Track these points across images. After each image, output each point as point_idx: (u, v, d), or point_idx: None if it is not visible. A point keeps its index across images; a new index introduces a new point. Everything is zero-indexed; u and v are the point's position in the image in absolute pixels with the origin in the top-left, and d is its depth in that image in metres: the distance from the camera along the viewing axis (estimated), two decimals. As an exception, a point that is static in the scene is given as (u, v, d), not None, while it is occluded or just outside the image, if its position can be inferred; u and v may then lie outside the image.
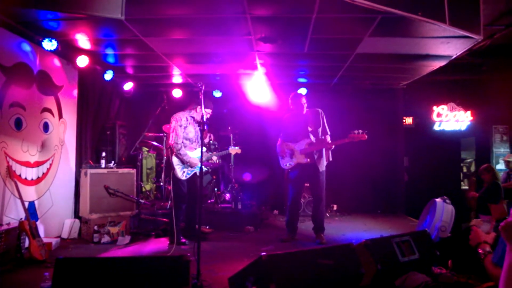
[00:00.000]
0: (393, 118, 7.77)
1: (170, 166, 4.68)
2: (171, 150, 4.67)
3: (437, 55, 5.46)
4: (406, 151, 7.81)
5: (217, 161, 6.59)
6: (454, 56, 5.43)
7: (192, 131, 4.72)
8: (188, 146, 4.71)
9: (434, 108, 8.09)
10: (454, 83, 7.70)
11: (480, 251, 1.94)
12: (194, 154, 4.74)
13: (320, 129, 4.91)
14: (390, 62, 5.99)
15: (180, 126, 4.62)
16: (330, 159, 5.00)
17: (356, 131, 4.60)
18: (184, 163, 4.63)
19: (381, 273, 2.80)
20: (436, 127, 8.10)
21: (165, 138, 6.51)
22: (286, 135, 5.07)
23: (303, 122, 4.95)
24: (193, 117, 4.75)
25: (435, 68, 6.17)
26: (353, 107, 7.45)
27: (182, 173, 4.64)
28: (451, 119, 8.09)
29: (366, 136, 4.60)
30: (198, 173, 4.66)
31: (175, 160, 4.63)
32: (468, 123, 8.06)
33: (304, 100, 4.98)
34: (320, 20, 4.20)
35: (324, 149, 4.88)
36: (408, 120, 8.04)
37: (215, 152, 5.20)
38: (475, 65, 6.54)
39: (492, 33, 4.74)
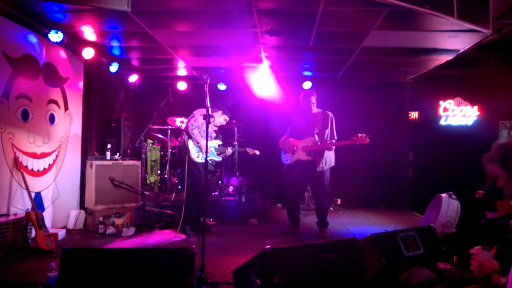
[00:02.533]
0: (399, 112, 7.72)
1: (185, 152, 4.75)
2: (187, 135, 4.77)
3: (445, 49, 5.40)
4: (411, 145, 7.77)
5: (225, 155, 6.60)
6: (462, 50, 5.37)
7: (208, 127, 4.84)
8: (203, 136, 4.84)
9: (441, 102, 8.01)
10: (461, 77, 7.61)
11: (495, 282, 1.89)
12: (209, 143, 4.84)
13: (327, 131, 4.90)
14: (397, 56, 5.93)
15: (201, 115, 4.72)
16: (333, 163, 4.98)
17: (359, 134, 4.60)
18: (196, 143, 4.77)
19: (385, 267, 2.81)
20: (442, 122, 8.02)
21: (169, 131, 6.53)
22: (292, 131, 5.10)
23: (312, 121, 4.95)
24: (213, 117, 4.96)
25: (442, 62, 6.11)
26: (359, 101, 7.40)
27: (197, 155, 4.77)
28: (457, 114, 8.00)
29: (368, 140, 4.60)
30: (211, 162, 4.99)
31: (190, 143, 4.76)
32: (475, 118, 7.97)
33: (313, 100, 4.98)
34: (326, 13, 4.16)
35: (326, 151, 4.88)
36: (414, 115, 7.97)
37: (230, 147, 5.25)
38: (483, 59, 6.46)
39: (500, 27, 4.67)
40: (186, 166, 4.71)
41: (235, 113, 7.10)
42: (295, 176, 5.03)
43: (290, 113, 5.43)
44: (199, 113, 4.81)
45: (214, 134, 5.13)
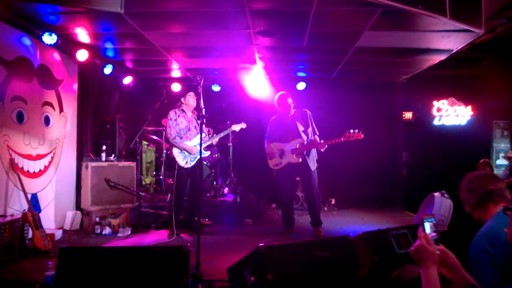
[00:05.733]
0: (393, 112, 7.76)
1: (172, 160, 4.90)
2: (171, 144, 4.88)
3: (438, 49, 5.44)
4: (405, 145, 7.82)
5: (216, 155, 6.64)
6: (455, 50, 5.41)
7: (183, 121, 4.96)
8: (184, 136, 4.90)
9: (434, 102, 8.08)
10: (454, 77, 7.68)
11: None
12: (192, 143, 4.91)
13: (309, 130, 4.94)
14: (390, 56, 5.98)
15: (171, 119, 4.90)
16: (316, 162, 5.03)
17: (352, 130, 4.58)
18: (182, 150, 4.85)
19: (377, 264, 2.84)
20: (436, 122, 8.09)
21: (164, 133, 6.54)
22: (274, 136, 5.09)
23: (293, 122, 4.97)
24: (182, 110, 5.01)
25: (435, 62, 6.16)
26: (353, 102, 7.45)
27: (185, 162, 4.84)
28: (451, 113, 8.07)
29: (362, 135, 4.59)
30: (206, 163, 5.08)
31: (175, 151, 4.85)
32: (469, 118, 8.05)
33: (290, 100, 5.00)
34: (319, 14, 4.20)
35: (314, 150, 4.91)
36: (408, 115, 8.03)
37: (215, 134, 5.25)
38: (476, 59, 6.51)
39: (493, 27, 4.71)
40: (176, 172, 4.81)
41: (229, 114, 7.14)
42: (286, 179, 5.06)
43: (267, 119, 5.42)
44: (168, 118, 4.93)
45: (195, 131, 5.01)
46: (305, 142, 4.86)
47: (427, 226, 1.53)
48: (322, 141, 4.84)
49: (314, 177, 4.95)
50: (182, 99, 5.04)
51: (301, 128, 4.91)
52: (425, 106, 8.08)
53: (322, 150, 4.87)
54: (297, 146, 4.87)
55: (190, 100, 4.99)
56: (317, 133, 4.99)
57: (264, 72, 6.95)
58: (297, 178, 5.34)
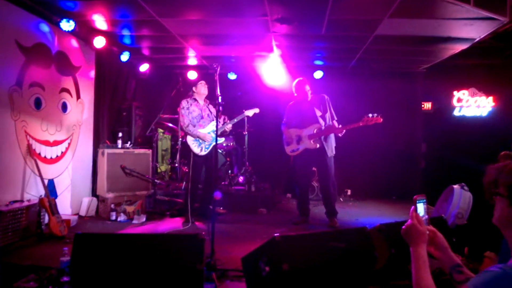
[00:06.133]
0: (412, 102, 7.59)
1: (187, 148, 4.93)
2: (185, 132, 4.92)
3: (460, 38, 5.27)
4: (424, 136, 7.65)
5: (231, 144, 6.63)
6: (477, 39, 5.23)
7: (196, 109, 5.01)
8: (197, 124, 4.95)
9: (455, 93, 7.84)
10: (476, 67, 7.43)
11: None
12: (205, 130, 4.95)
13: (327, 115, 4.86)
14: (410, 45, 5.82)
15: (183, 108, 4.96)
16: (334, 149, 4.94)
17: (370, 114, 4.49)
18: (196, 137, 4.88)
19: (395, 257, 2.79)
20: (456, 113, 7.87)
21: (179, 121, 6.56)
22: (292, 122, 5.03)
23: (310, 107, 4.90)
24: (194, 99, 5.06)
25: (456, 52, 5.98)
26: (371, 91, 7.31)
27: (199, 149, 4.87)
28: (472, 104, 7.84)
29: (381, 119, 4.48)
30: (221, 152, 5.17)
31: (189, 139, 4.89)
32: (490, 109, 7.80)
33: (308, 87, 4.95)
34: (338, 0, 4.08)
35: (331, 136, 4.83)
36: (427, 105, 7.84)
37: (228, 121, 5.24)
38: (499, 49, 6.29)
39: (519, 15, 4.53)
40: (192, 160, 4.85)
41: (245, 102, 7.08)
42: (303, 166, 5.01)
43: (283, 107, 5.36)
44: (180, 107, 4.97)
45: (208, 119, 5.06)
46: (323, 127, 4.78)
47: (420, 207, 1.59)
48: (340, 126, 4.77)
49: (330, 164, 4.88)
50: (194, 88, 5.09)
51: (318, 113, 4.84)
52: (445, 97, 7.86)
53: (340, 135, 4.80)
54: (315, 132, 4.80)
55: (202, 88, 5.04)
56: (335, 118, 4.91)
57: (280, 60, 6.85)
58: (313, 168, 5.28)
